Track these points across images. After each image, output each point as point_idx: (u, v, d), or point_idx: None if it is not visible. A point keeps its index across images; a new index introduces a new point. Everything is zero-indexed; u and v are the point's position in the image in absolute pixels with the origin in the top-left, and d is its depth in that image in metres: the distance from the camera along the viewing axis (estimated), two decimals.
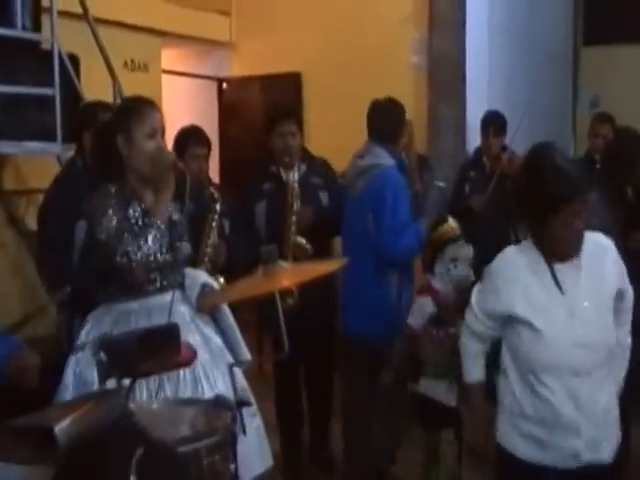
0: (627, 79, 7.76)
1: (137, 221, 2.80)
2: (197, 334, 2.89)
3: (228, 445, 2.02)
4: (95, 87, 4.94)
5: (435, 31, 6.13)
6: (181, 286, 2.96)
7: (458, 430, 3.53)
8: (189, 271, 3.05)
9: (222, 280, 3.55)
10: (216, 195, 3.68)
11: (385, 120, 3.98)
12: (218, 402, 2.16)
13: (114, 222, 2.74)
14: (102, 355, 1.96)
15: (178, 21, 6.55)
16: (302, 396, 4.47)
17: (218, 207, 3.68)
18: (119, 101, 4.91)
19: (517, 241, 2.76)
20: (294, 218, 4.12)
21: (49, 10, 4.64)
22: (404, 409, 3.73)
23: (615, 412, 2.63)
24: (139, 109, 2.84)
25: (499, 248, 2.73)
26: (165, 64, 6.77)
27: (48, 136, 4.54)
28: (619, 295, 2.64)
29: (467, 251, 3.58)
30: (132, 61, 6.19)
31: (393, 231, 3.77)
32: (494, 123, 5.36)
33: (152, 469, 1.77)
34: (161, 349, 1.96)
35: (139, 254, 2.72)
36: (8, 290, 5.04)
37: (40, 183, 4.42)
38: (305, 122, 6.15)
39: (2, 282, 5.07)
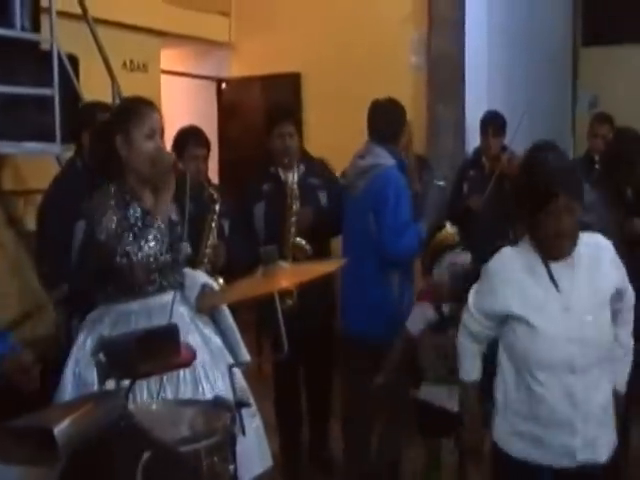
0: (626, 79, 7.77)
1: (137, 221, 2.79)
2: (197, 334, 2.89)
3: (227, 446, 2.02)
4: (94, 87, 4.93)
5: (434, 31, 6.12)
6: (181, 286, 2.96)
7: (459, 436, 3.53)
8: (188, 272, 3.05)
9: (221, 281, 3.56)
10: (215, 196, 3.69)
11: (385, 120, 4.00)
12: (217, 403, 2.17)
13: (114, 222, 2.74)
14: (101, 356, 1.96)
15: (177, 21, 6.54)
16: (301, 396, 4.47)
17: (217, 208, 3.69)
18: (118, 101, 4.90)
19: (515, 242, 2.77)
20: (293, 219, 4.12)
21: (48, 10, 4.63)
22: (405, 419, 3.73)
23: (611, 411, 2.63)
24: (138, 110, 2.84)
25: (498, 248, 2.75)
26: (164, 64, 6.76)
27: (47, 136, 4.53)
28: (618, 294, 2.65)
29: (465, 258, 3.59)
30: (131, 61, 6.18)
31: (395, 231, 3.78)
32: (493, 123, 5.36)
33: (158, 472, 1.77)
34: (160, 350, 1.95)
35: (139, 255, 2.71)
36: (7, 290, 5.02)
37: (39, 183, 4.41)
38: (304, 122, 6.17)
39: (1, 282, 5.06)
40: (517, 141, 5.09)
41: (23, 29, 4.52)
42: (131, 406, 2.04)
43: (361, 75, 6.21)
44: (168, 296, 2.82)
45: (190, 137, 4.00)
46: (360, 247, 3.91)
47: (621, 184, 3.86)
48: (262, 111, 6.55)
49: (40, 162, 5.00)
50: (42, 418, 1.73)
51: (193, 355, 2.25)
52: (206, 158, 4.04)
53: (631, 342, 2.74)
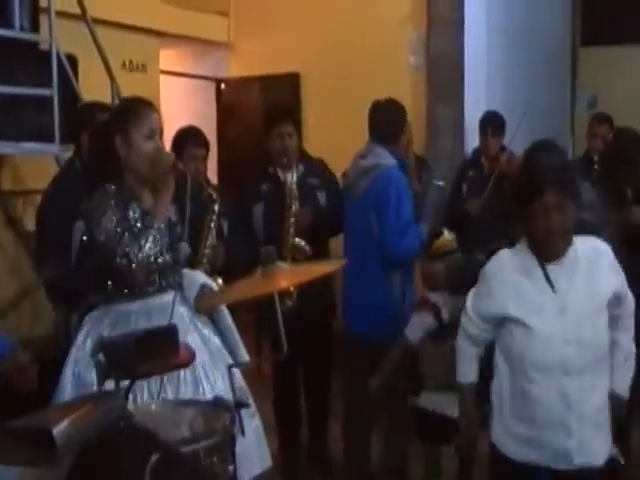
0: (625, 79, 7.77)
1: (136, 222, 2.79)
2: (196, 335, 2.89)
3: (227, 446, 2.02)
4: (93, 88, 4.93)
5: (433, 31, 6.12)
6: (180, 287, 2.96)
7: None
8: (187, 272, 3.04)
9: (220, 281, 3.55)
10: (214, 196, 3.68)
11: (386, 121, 4.01)
12: (217, 403, 2.16)
13: (113, 223, 2.73)
14: (101, 356, 1.96)
15: (176, 22, 6.54)
16: (300, 397, 4.47)
17: (216, 208, 3.68)
18: (117, 102, 4.90)
19: (511, 243, 2.78)
20: (292, 219, 4.12)
21: (47, 10, 4.63)
22: (405, 424, 3.73)
23: (605, 415, 2.63)
24: (137, 110, 2.84)
25: (496, 249, 2.76)
26: (163, 65, 6.75)
27: (46, 137, 4.52)
28: (617, 300, 2.64)
29: None
30: (130, 62, 6.18)
31: (397, 231, 3.80)
32: (492, 123, 5.36)
33: (166, 475, 1.77)
34: (160, 350, 1.95)
35: (139, 255, 2.71)
36: (5, 290, 5.03)
37: (38, 184, 4.41)
38: (304, 122, 6.17)
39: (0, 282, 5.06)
40: (516, 141, 5.09)
41: (22, 29, 4.51)
42: (131, 407, 2.04)
43: (360, 75, 6.21)
44: (168, 296, 2.82)
45: (189, 137, 3.99)
46: (362, 247, 3.93)
47: (621, 184, 3.86)
48: (261, 111, 6.54)
49: (39, 162, 5.00)
50: (41, 419, 1.73)
51: (192, 355, 2.25)
52: (205, 158, 4.04)
53: (632, 347, 2.74)
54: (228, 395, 2.32)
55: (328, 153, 4.52)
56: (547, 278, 2.57)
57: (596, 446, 2.58)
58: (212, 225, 3.69)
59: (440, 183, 4.68)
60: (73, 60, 4.91)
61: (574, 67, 8.33)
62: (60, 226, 3.44)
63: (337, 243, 4.36)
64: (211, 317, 3.02)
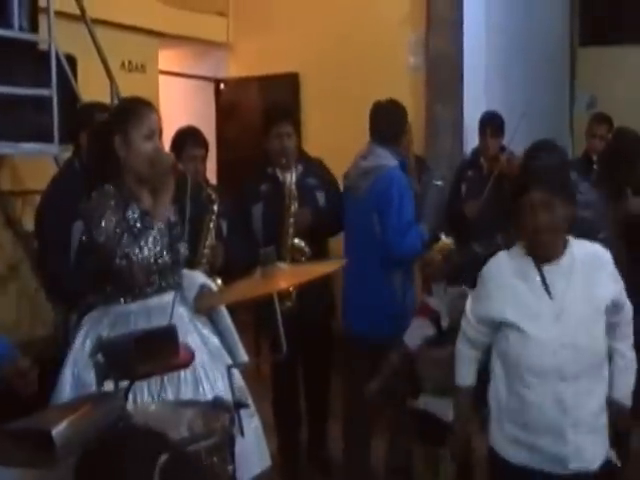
0: (624, 79, 7.77)
1: (136, 222, 2.79)
2: (196, 335, 2.89)
3: (226, 447, 2.02)
4: (92, 88, 4.93)
5: (432, 32, 6.11)
6: (179, 287, 2.95)
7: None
8: (187, 272, 3.04)
9: (220, 281, 3.55)
10: (213, 196, 3.68)
11: (387, 121, 4.02)
12: (216, 404, 2.16)
13: (113, 223, 2.73)
14: (100, 357, 1.96)
15: (175, 22, 6.54)
16: (300, 397, 4.47)
17: (215, 208, 3.68)
18: (116, 102, 4.90)
19: (509, 239, 2.79)
20: (292, 220, 4.12)
21: (46, 11, 4.62)
22: (406, 427, 3.73)
23: (603, 419, 2.62)
24: (137, 110, 2.84)
25: (495, 251, 2.76)
26: (162, 65, 6.75)
27: (45, 137, 4.52)
28: (614, 307, 2.63)
29: None
30: (129, 62, 6.17)
31: (399, 231, 3.82)
32: (492, 124, 5.35)
33: (175, 475, 1.77)
34: (159, 351, 1.95)
35: (139, 256, 2.71)
36: (4, 291, 5.03)
37: (37, 184, 4.40)
38: (303, 123, 6.16)
39: None
40: (515, 141, 5.09)
41: (21, 29, 4.51)
42: (130, 407, 2.04)
43: (359, 75, 6.21)
44: (167, 297, 2.82)
45: (188, 137, 3.99)
46: (363, 247, 3.94)
47: (621, 183, 3.86)
48: (260, 111, 6.52)
49: (38, 163, 4.99)
50: (40, 420, 1.73)
51: (192, 356, 2.25)
52: (204, 158, 4.04)
53: (633, 354, 2.73)
54: (227, 395, 2.32)
55: (327, 153, 4.52)
56: (544, 282, 2.57)
57: (591, 451, 2.58)
58: (211, 225, 3.68)
59: (439, 183, 4.67)
60: (72, 60, 4.91)
61: (573, 67, 8.33)
62: (59, 226, 3.44)
63: (337, 243, 4.36)
64: (210, 317, 3.02)
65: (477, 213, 5.04)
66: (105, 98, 4.87)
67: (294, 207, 4.14)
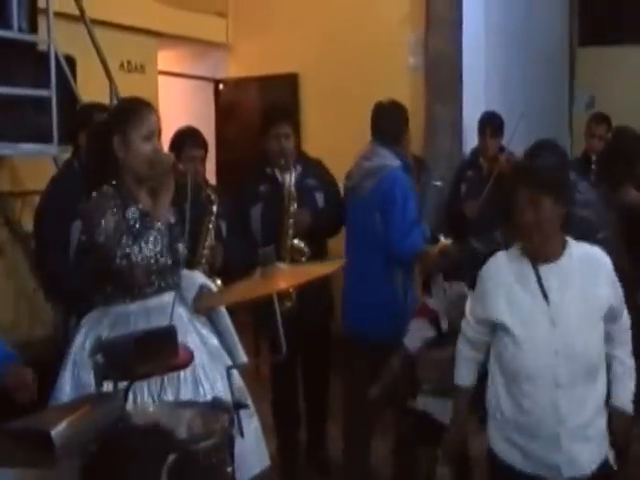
0: (623, 79, 7.78)
1: (135, 223, 2.78)
2: (195, 335, 2.88)
3: (225, 447, 2.02)
4: (91, 88, 4.93)
5: (432, 32, 6.11)
6: (178, 287, 2.95)
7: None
8: (186, 273, 3.04)
9: (219, 282, 3.55)
10: (213, 197, 3.68)
11: (389, 122, 4.03)
12: (215, 405, 2.16)
13: (112, 224, 2.73)
14: (99, 357, 1.96)
15: (174, 22, 6.54)
16: (299, 397, 4.47)
17: (215, 209, 3.68)
18: (115, 102, 4.90)
19: (506, 242, 2.79)
20: (291, 221, 4.11)
21: (45, 11, 4.62)
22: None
23: (598, 427, 2.61)
24: (136, 111, 2.83)
25: (494, 250, 2.77)
26: (161, 65, 6.75)
27: (44, 138, 4.52)
28: (612, 314, 2.63)
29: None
30: (128, 62, 6.17)
31: (402, 231, 3.82)
32: (491, 124, 5.36)
33: (183, 475, 1.77)
34: (158, 351, 1.95)
35: (140, 256, 2.71)
36: (3, 291, 5.03)
37: (36, 185, 4.40)
38: (302, 123, 6.16)
39: None
40: (515, 141, 5.09)
41: (20, 30, 4.51)
42: (129, 408, 2.04)
43: (359, 76, 6.21)
44: (167, 297, 2.81)
45: (187, 138, 3.99)
46: (366, 247, 3.95)
47: (620, 181, 3.86)
48: (260, 112, 6.52)
49: (37, 163, 4.99)
50: (39, 420, 1.73)
51: (191, 356, 2.25)
52: (203, 159, 4.03)
53: (631, 362, 2.72)
54: (227, 396, 2.32)
55: (327, 154, 4.52)
56: (540, 284, 2.56)
57: (585, 459, 2.57)
58: (210, 226, 3.68)
59: (438, 184, 4.68)
60: (71, 61, 4.91)
61: (572, 67, 8.34)
62: (58, 227, 3.44)
63: (336, 243, 4.36)
64: (209, 318, 3.02)
65: (477, 212, 5.04)
66: (104, 99, 4.87)
67: (293, 208, 4.13)
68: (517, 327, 2.56)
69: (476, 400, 2.84)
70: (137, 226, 2.77)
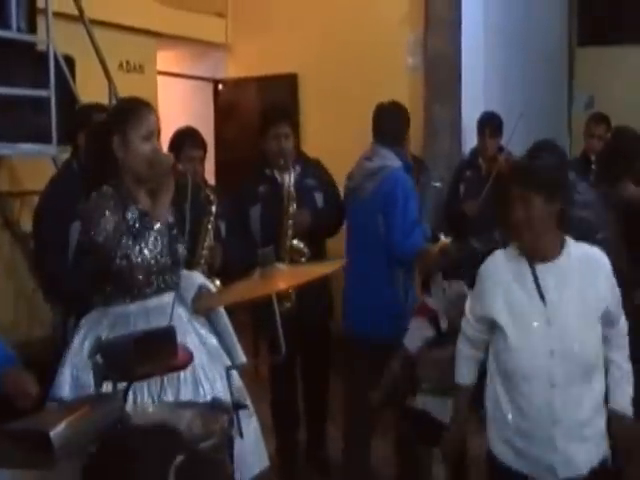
0: (622, 79, 7.78)
1: (135, 223, 2.78)
2: (194, 335, 2.88)
3: (225, 448, 2.02)
4: (90, 89, 4.93)
5: (431, 32, 6.12)
6: (177, 287, 2.95)
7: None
8: (185, 273, 3.03)
9: (218, 282, 3.55)
10: (212, 197, 3.67)
11: (391, 123, 4.04)
12: (214, 405, 2.16)
13: (112, 224, 2.72)
14: (98, 358, 1.96)
15: (174, 22, 6.54)
16: (298, 398, 4.47)
17: (214, 209, 3.68)
18: (115, 103, 4.90)
19: (505, 242, 2.79)
20: (290, 221, 4.11)
21: (44, 11, 4.63)
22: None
23: (595, 427, 2.60)
24: (136, 111, 2.83)
25: (493, 249, 2.77)
26: (161, 65, 6.75)
27: (43, 138, 4.52)
28: (609, 317, 2.62)
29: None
30: (127, 62, 6.17)
31: (403, 231, 3.83)
32: (490, 124, 5.36)
33: (190, 475, 1.77)
34: (158, 352, 1.95)
35: (139, 257, 2.70)
36: (2, 292, 5.03)
37: (35, 185, 4.41)
38: (301, 123, 6.16)
39: None
40: (514, 142, 5.10)
41: (19, 30, 4.51)
42: (128, 409, 2.04)
43: (358, 76, 6.21)
44: (166, 298, 2.81)
45: (186, 138, 3.98)
46: (367, 248, 3.95)
47: (619, 176, 3.85)
48: (259, 112, 6.51)
49: (36, 163, 4.99)
50: (38, 421, 1.73)
51: (190, 357, 2.25)
52: (202, 159, 4.03)
53: (629, 366, 2.71)
54: (226, 396, 2.32)
55: (326, 154, 4.52)
56: (537, 283, 2.56)
57: (581, 458, 2.56)
58: (209, 226, 3.68)
59: (437, 185, 4.68)
60: (70, 61, 4.91)
61: (571, 67, 8.35)
62: (57, 227, 3.44)
63: (335, 244, 4.36)
64: (208, 318, 3.02)
65: (477, 211, 5.05)
66: (103, 99, 4.87)
67: (292, 208, 4.13)
68: (513, 326, 2.56)
69: (476, 399, 2.84)
70: (137, 226, 2.77)
